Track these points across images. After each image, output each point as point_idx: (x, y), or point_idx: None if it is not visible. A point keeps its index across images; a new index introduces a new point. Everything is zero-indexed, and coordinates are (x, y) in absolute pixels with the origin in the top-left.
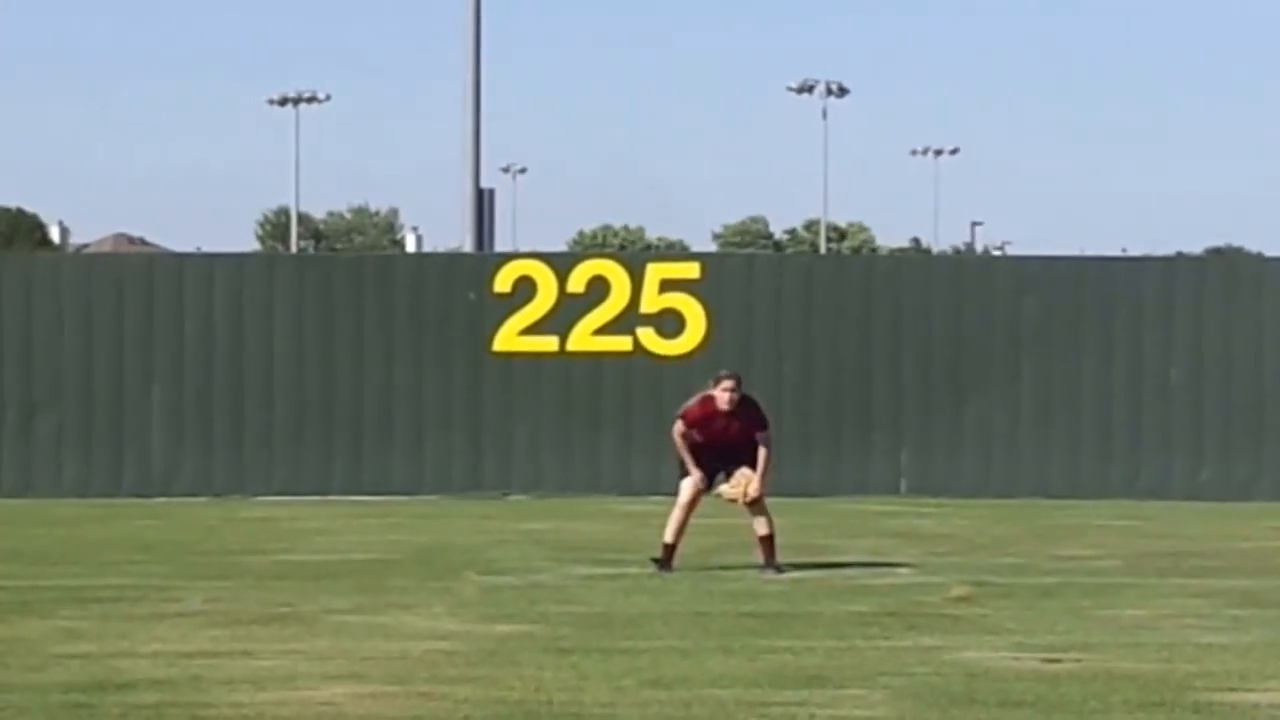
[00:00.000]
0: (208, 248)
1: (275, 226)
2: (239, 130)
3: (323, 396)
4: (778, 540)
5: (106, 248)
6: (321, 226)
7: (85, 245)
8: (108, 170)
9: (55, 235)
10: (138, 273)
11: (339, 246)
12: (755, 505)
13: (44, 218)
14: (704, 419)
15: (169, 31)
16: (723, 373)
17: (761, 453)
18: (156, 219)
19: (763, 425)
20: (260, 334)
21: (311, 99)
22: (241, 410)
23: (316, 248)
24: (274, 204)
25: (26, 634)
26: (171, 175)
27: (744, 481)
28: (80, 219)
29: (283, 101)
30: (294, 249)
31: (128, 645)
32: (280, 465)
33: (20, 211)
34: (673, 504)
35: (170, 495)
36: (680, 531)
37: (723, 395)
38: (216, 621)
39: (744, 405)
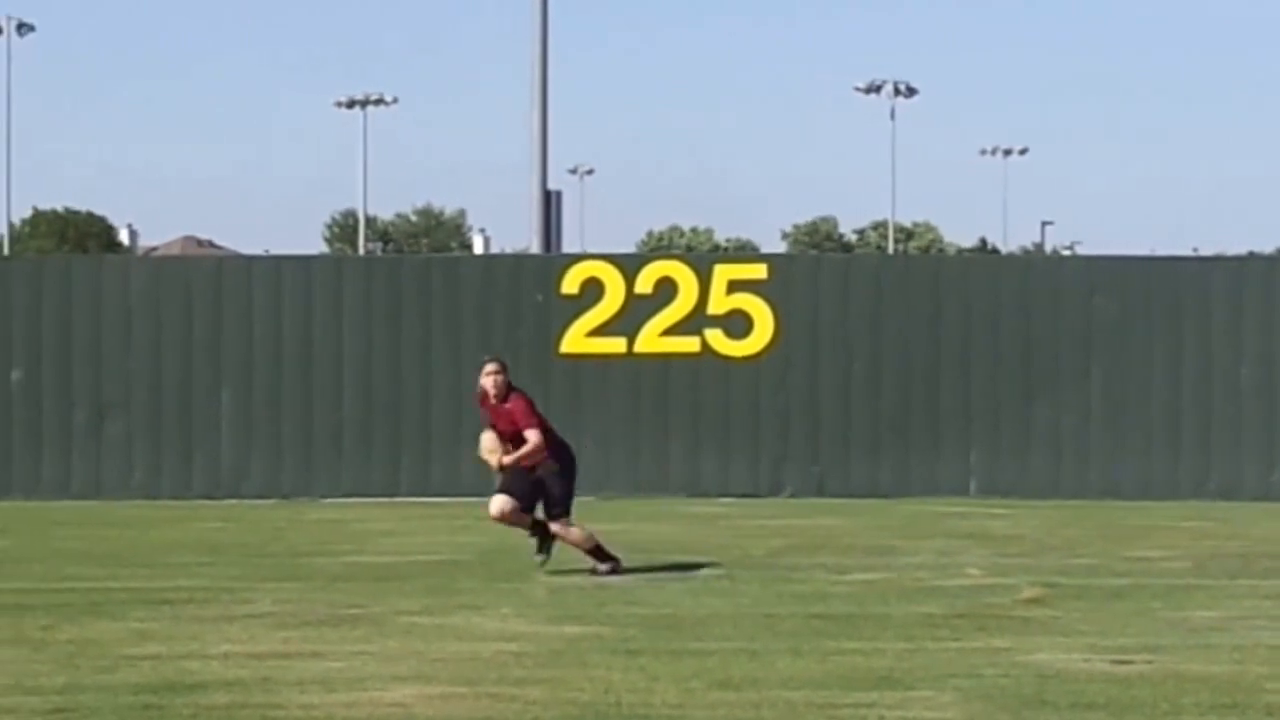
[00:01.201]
0: (275, 250)
1: (343, 229)
2: (307, 133)
3: (391, 398)
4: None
5: (175, 250)
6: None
7: (154, 248)
8: (176, 173)
9: (124, 238)
10: (206, 275)
11: (406, 248)
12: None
13: (113, 221)
14: (483, 410)
15: (238, 34)
16: (486, 357)
17: (530, 445)
18: (225, 221)
19: (528, 424)
20: (328, 336)
21: (379, 101)
22: (310, 412)
23: (384, 250)
24: (341, 206)
25: (97, 635)
26: (239, 178)
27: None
28: (149, 222)
29: (350, 104)
30: (361, 251)
31: (198, 647)
32: (348, 467)
33: (89, 215)
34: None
35: (239, 497)
36: (528, 527)
37: (485, 380)
38: (286, 623)
39: (511, 396)
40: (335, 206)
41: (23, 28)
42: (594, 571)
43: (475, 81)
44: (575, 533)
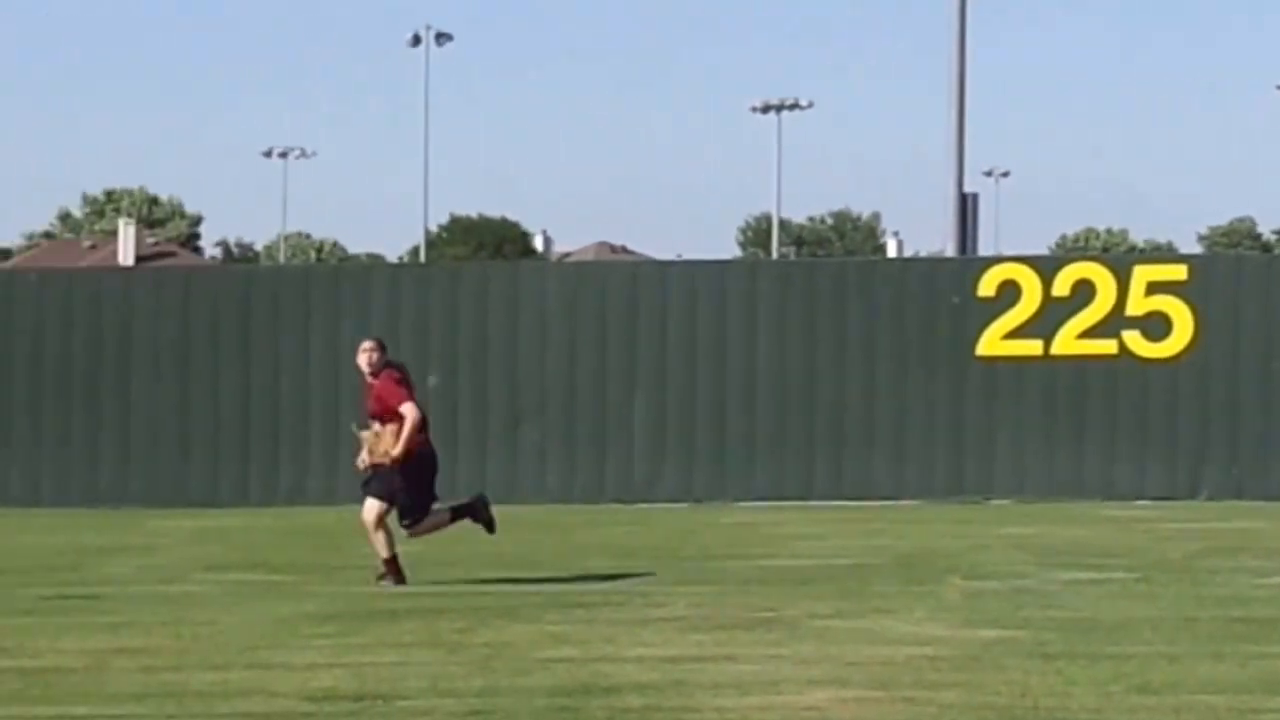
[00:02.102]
0: (689, 255)
1: (756, 233)
2: (722, 138)
3: (804, 401)
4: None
5: (589, 256)
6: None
7: (568, 254)
8: (590, 179)
9: (539, 244)
10: (621, 281)
11: (820, 252)
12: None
13: (527, 227)
14: (364, 392)
15: (652, 41)
16: (364, 338)
17: (407, 422)
18: (638, 227)
19: (399, 399)
20: (742, 339)
21: (794, 106)
22: (723, 415)
23: (798, 253)
24: (756, 210)
25: (512, 639)
26: (654, 183)
27: (380, 440)
28: (563, 228)
29: (766, 109)
30: (775, 255)
31: (612, 650)
32: (762, 470)
33: (504, 221)
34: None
35: (651, 501)
36: (447, 523)
37: (360, 357)
38: (699, 626)
39: (386, 373)
40: (749, 210)
41: (441, 37)
42: (379, 577)
43: (891, 84)
44: (381, 537)
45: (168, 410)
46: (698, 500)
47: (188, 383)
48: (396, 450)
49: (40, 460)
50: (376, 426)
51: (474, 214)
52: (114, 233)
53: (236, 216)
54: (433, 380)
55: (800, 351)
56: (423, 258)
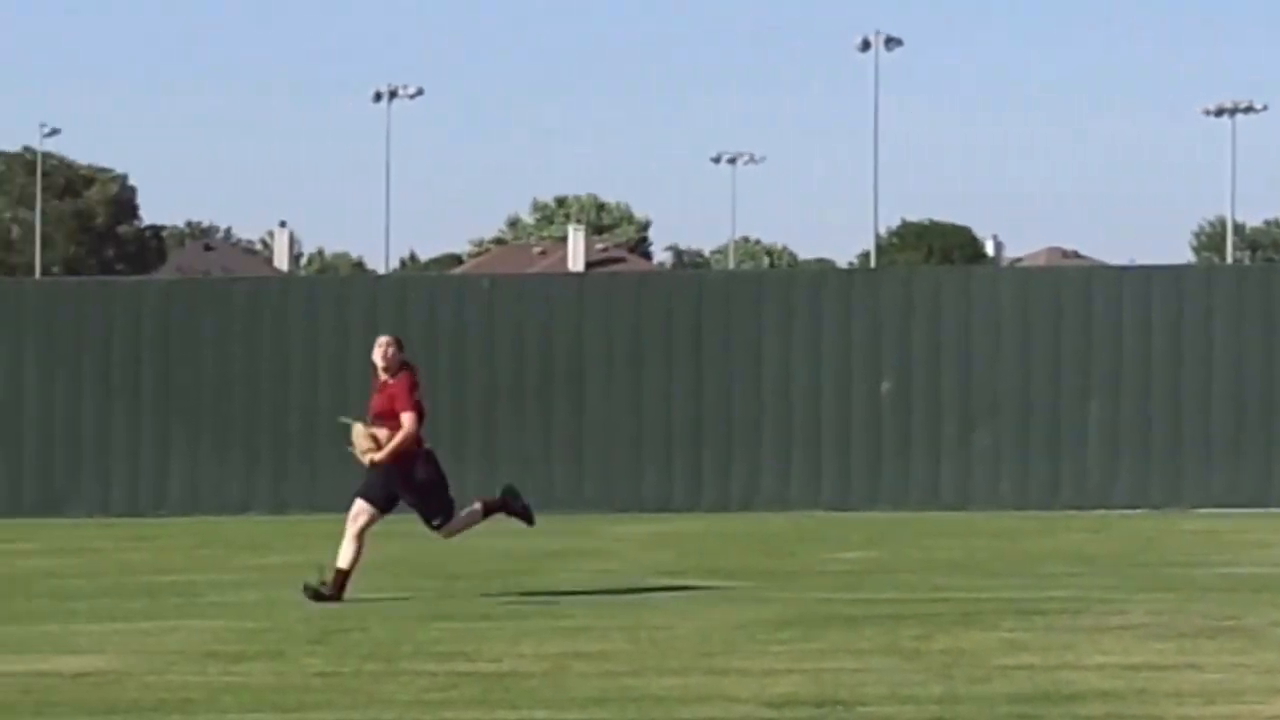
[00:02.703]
0: (1141, 260)
1: (1210, 237)
2: (1175, 141)
3: (1262, 405)
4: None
5: (1040, 261)
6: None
7: (1019, 259)
8: (1041, 184)
9: (990, 249)
10: (1074, 286)
11: (1277, 256)
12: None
13: (977, 232)
14: (373, 387)
15: (1103, 45)
16: (382, 334)
17: (402, 431)
18: (1090, 232)
19: (404, 405)
20: (1198, 345)
21: (1248, 109)
22: (1179, 421)
23: (1252, 258)
24: (1209, 214)
25: (970, 645)
26: (1105, 187)
27: (370, 440)
28: (1013, 233)
29: (1219, 112)
30: (1230, 259)
31: (1072, 657)
32: (1219, 475)
33: (954, 226)
34: None
35: (1107, 507)
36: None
37: (376, 351)
38: (1160, 634)
39: (401, 372)
40: (1203, 215)
41: (890, 42)
42: (319, 584)
43: None
44: (351, 548)
45: (621, 414)
46: (1154, 506)
47: (640, 386)
48: (379, 455)
49: (495, 464)
50: (362, 427)
51: (925, 219)
52: (563, 238)
53: (684, 222)
54: (886, 386)
55: (1258, 356)
56: (873, 263)
